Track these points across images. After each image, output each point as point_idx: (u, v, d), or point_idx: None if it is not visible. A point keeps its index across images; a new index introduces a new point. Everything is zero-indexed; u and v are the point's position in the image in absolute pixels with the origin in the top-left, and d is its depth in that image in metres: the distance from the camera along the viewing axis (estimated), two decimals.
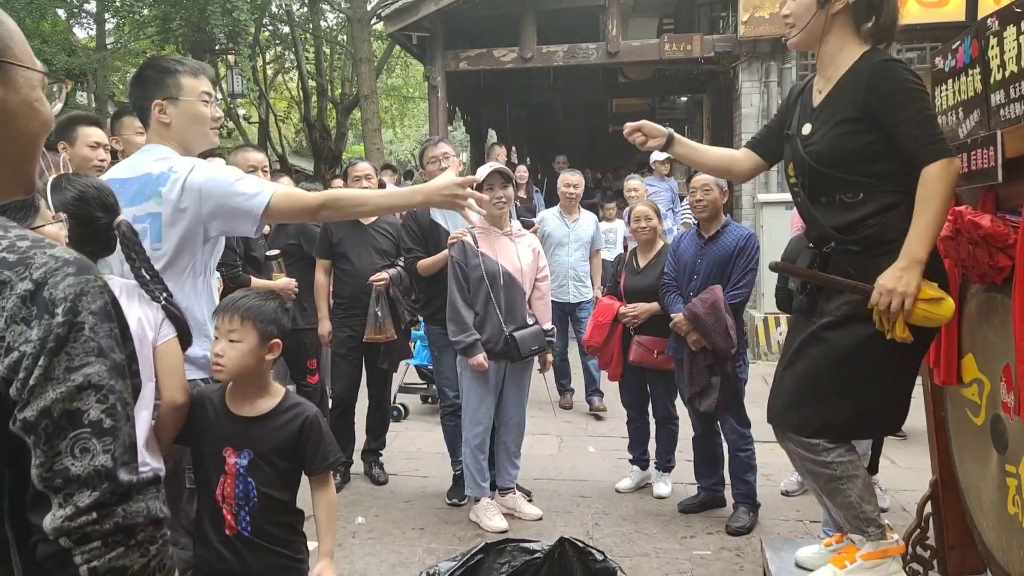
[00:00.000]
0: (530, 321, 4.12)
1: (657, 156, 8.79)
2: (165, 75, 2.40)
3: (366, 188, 4.65)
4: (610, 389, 5.07)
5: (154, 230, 2.29)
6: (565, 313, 6.34)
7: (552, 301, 5.93)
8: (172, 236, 2.30)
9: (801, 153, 2.45)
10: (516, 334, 4.00)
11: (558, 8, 11.00)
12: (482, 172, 4.05)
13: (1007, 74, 2.24)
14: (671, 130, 2.80)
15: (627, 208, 7.00)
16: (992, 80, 2.31)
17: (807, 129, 2.46)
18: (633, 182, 7.27)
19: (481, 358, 3.96)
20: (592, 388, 6.34)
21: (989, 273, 2.19)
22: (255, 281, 4.32)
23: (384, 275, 4.57)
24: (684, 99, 16.15)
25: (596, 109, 18.85)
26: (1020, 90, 2.17)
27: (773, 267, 2.60)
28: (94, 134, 3.50)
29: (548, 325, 4.23)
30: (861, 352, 2.35)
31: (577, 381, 6.58)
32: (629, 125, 2.78)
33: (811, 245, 2.53)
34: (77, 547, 0.92)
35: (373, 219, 4.72)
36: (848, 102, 2.34)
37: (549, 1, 10.77)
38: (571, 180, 6.46)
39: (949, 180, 2.22)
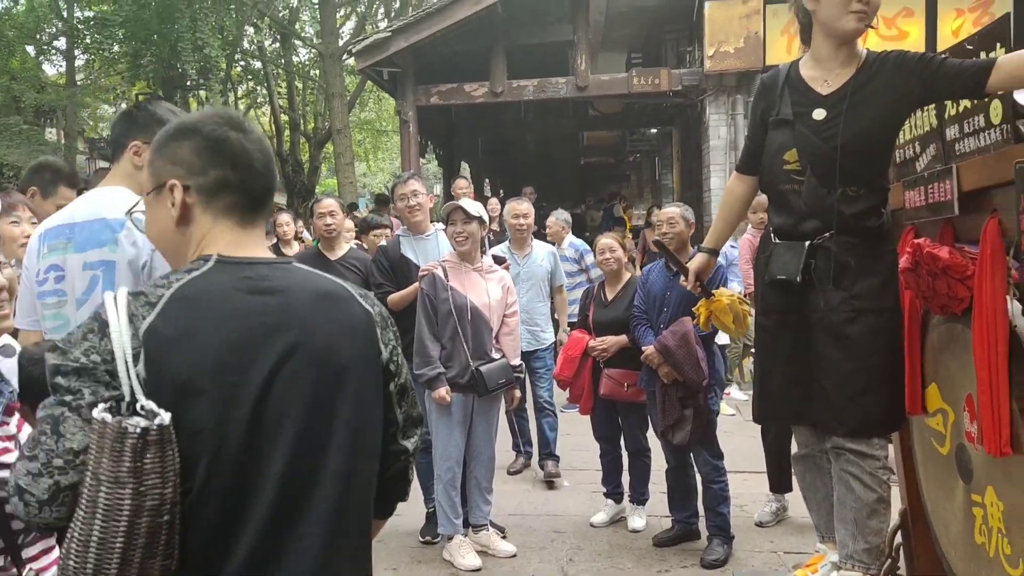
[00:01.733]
0: (496, 356, 4.10)
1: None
2: (153, 122, 2.32)
3: (331, 224, 4.63)
4: (582, 422, 5.03)
5: (107, 279, 2.19)
6: None
7: None
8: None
9: (813, 139, 2.48)
10: (483, 368, 3.98)
11: (528, 43, 11.12)
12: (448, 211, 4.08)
13: (961, 109, 2.29)
14: (707, 249, 2.95)
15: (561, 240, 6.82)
16: (947, 115, 2.36)
17: (820, 115, 2.48)
18: (550, 219, 6.72)
19: (443, 391, 3.94)
20: (546, 451, 5.39)
21: (949, 304, 2.21)
22: None
23: None
24: (654, 131, 16.35)
25: (567, 141, 19.07)
26: (974, 125, 2.21)
27: (655, 242, 2.90)
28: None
29: (516, 361, 4.21)
30: (877, 342, 2.46)
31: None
32: (691, 285, 2.97)
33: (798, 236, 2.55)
34: (411, 461, 1.60)
35: (341, 254, 4.69)
36: (886, 85, 2.43)
37: (519, 36, 10.90)
38: (519, 210, 5.50)
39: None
